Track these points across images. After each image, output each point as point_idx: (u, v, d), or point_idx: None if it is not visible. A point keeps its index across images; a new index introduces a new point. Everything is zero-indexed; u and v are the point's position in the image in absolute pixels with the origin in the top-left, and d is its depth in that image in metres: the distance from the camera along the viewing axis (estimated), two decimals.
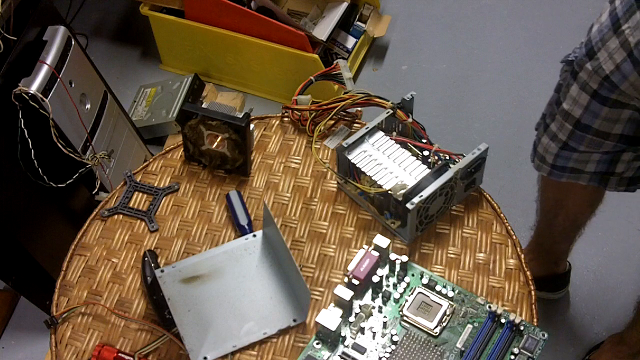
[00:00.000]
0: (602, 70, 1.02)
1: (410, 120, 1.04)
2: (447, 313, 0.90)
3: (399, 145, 1.02)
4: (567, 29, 2.15)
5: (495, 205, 1.03)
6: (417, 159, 1.00)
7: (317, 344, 0.89)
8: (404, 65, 2.12)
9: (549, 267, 1.55)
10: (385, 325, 0.90)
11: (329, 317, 0.87)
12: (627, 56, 0.97)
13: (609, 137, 1.09)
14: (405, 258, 0.94)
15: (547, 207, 1.42)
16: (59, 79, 1.35)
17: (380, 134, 1.03)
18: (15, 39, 1.32)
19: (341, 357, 0.88)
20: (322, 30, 1.94)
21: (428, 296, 0.92)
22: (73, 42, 1.43)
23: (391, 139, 1.03)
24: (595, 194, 1.32)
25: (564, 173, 1.20)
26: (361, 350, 0.88)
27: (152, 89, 2.01)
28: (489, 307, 0.90)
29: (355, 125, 1.13)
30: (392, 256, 0.95)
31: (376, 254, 0.93)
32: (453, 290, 0.92)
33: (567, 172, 1.19)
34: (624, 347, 1.42)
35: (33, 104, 1.29)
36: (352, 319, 0.91)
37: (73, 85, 1.42)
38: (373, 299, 0.93)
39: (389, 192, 0.95)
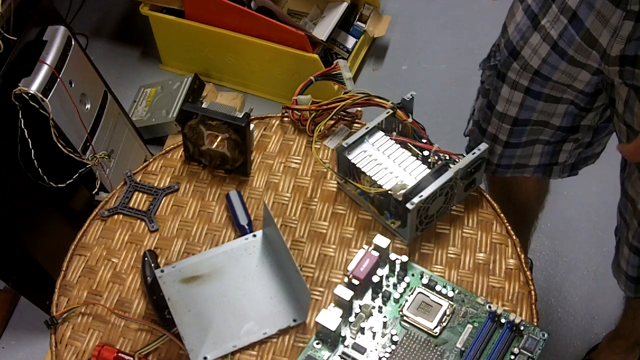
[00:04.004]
0: (530, 67, 1.03)
1: (410, 120, 1.04)
2: (447, 313, 0.90)
3: (399, 145, 1.02)
4: None
5: (495, 205, 1.03)
6: (417, 159, 1.00)
7: (317, 344, 0.89)
8: (404, 65, 2.12)
9: None
10: (385, 325, 0.90)
11: (329, 317, 0.86)
12: (551, 49, 0.99)
13: (547, 126, 1.11)
14: (405, 258, 0.94)
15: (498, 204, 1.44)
16: (59, 79, 1.35)
17: (380, 134, 1.03)
18: (15, 39, 1.31)
19: (341, 357, 0.88)
20: (322, 30, 1.94)
21: (428, 296, 0.92)
22: (73, 42, 1.43)
23: (391, 139, 1.03)
24: (540, 185, 1.35)
25: (509, 169, 1.21)
26: (361, 350, 0.88)
27: (152, 89, 2.01)
28: (489, 307, 0.90)
29: (355, 125, 1.13)
30: (392, 256, 0.95)
31: (376, 254, 0.93)
32: (453, 290, 0.92)
33: (512, 168, 1.21)
34: (620, 341, 1.42)
35: (33, 104, 1.28)
36: (352, 319, 0.91)
37: (73, 85, 1.41)
38: (373, 299, 0.93)
39: (389, 192, 0.95)
